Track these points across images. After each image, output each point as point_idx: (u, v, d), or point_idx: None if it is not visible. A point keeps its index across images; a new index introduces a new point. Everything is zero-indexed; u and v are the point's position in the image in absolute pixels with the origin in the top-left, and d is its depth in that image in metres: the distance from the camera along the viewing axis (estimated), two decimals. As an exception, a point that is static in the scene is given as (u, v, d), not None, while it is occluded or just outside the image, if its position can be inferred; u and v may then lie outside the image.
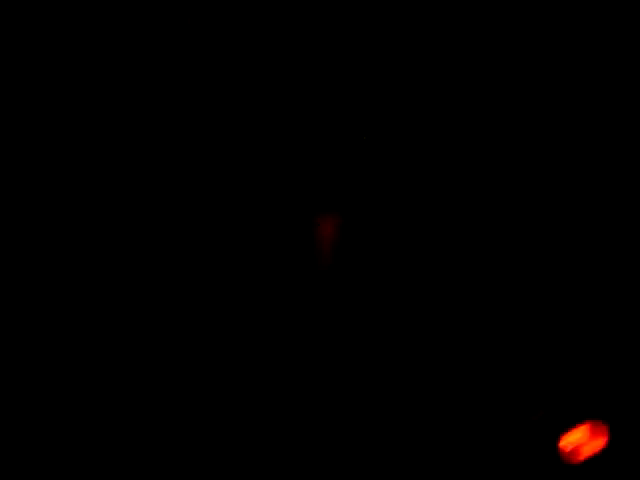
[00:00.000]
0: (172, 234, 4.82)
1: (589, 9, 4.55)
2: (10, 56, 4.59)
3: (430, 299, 4.70)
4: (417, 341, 4.54)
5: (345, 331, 4.71)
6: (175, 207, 4.79)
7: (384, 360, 4.57)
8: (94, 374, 4.66)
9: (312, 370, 4.70)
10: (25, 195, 4.70)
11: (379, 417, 4.55)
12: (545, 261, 4.60)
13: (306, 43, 4.71)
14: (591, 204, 4.64)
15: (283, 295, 4.72)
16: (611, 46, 4.57)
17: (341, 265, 4.79)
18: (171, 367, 4.75)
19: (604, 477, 4.20)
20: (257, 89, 4.74)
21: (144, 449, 4.51)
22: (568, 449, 4.08)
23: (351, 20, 4.70)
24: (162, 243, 4.80)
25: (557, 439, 4.12)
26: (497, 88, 4.67)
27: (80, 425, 4.51)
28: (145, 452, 4.50)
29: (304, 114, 4.79)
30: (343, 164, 4.79)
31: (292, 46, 4.71)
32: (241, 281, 4.76)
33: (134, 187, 4.81)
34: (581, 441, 4.14)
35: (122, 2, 4.68)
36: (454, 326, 4.56)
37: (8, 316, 4.56)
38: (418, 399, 4.50)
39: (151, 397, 4.70)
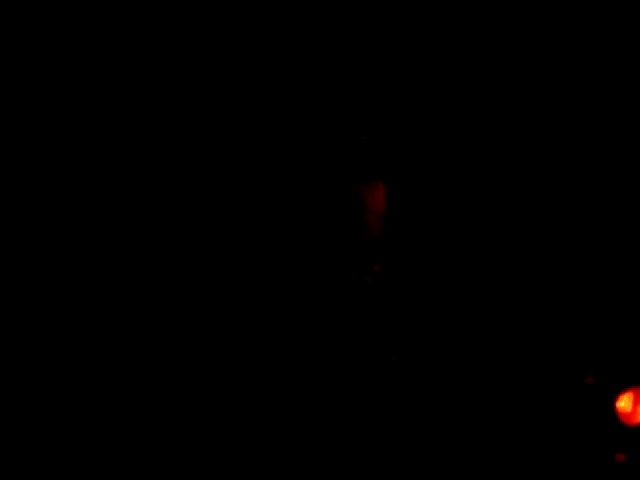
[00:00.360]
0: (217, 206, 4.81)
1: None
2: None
3: (472, 273, 4.75)
4: (464, 313, 4.59)
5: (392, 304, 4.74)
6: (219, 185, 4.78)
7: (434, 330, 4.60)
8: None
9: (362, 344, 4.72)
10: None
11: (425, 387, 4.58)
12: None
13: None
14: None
15: (334, 266, 4.74)
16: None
17: (388, 234, 4.82)
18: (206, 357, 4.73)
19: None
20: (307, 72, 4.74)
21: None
22: (626, 410, 4.13)
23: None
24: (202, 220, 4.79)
25: (615, 400, 4.17)
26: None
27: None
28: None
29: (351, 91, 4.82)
30: (389, 135, 4.83)
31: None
32: (290, 253, 4.77)
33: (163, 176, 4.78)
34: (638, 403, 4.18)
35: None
36: (494, 298, 4.62)
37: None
38: (472, 365, 4.54)
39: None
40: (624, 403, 4.06)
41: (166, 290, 4.58)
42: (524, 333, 4.55)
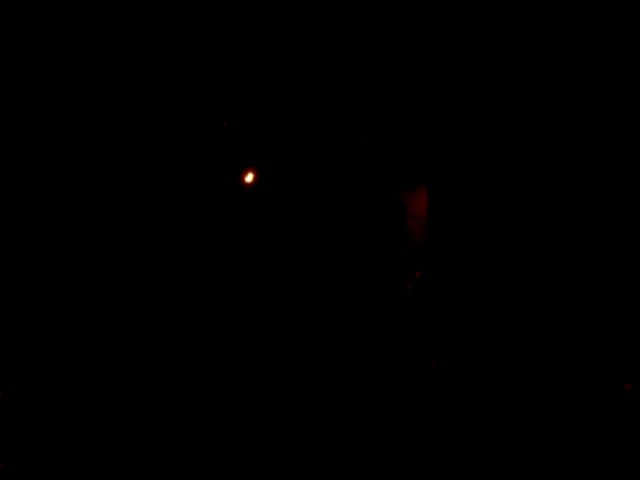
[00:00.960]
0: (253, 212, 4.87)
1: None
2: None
3: (518, 277, 4.74)
4: (511, 314, 4.58)
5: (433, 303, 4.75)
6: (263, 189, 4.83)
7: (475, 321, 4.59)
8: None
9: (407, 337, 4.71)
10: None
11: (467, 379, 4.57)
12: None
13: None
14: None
15: (377, 270, 4.77)
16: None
17: (431, 240, 4.85)
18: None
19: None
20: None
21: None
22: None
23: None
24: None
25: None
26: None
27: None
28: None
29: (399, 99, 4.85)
30: (433, 141, 4.85)
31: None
32: (335, 257, 4.80)
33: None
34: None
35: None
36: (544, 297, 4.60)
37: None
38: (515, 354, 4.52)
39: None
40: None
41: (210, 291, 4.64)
42: (570, 340, 4.53)
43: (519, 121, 4.66)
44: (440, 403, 4.61)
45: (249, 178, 4.75)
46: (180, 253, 4.76)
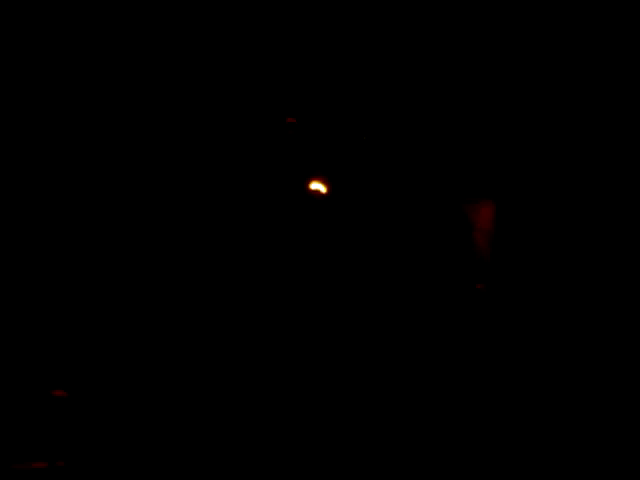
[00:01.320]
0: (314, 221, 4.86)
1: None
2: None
3: (584, 288, 4.62)
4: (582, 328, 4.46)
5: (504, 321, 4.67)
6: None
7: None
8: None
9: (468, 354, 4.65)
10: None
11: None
12: None
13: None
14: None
15: (441, 281, 4.71)
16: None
17: (497, 253, 4.76)
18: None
19: None
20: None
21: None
22: None
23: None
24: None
25: None
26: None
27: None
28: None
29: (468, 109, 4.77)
30: (499, 154, 4.76)
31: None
32: (400, 269, 4.77)
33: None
34: None
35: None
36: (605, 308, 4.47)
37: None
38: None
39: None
40: None
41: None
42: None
43: (589, 132, 4.52)
44: (504, 419, 4.54)
45: (318, 187, 4.74)
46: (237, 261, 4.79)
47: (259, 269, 4.73)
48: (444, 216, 4.74)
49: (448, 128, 4.68)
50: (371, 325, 4.67)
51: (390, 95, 4.65)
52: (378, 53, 4.60)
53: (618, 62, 4.48)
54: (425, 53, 4.57)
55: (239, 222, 4.82)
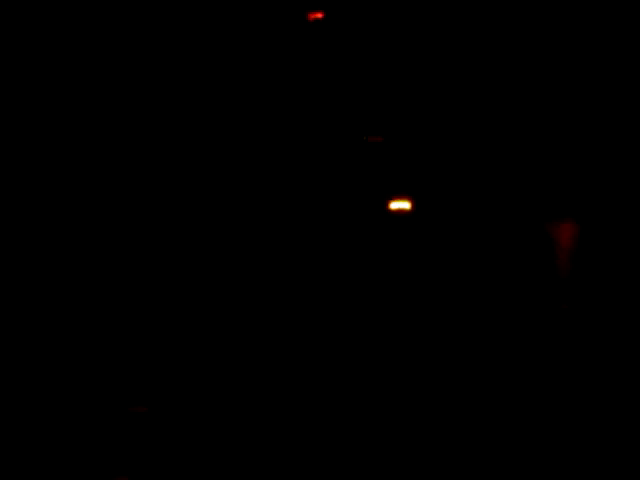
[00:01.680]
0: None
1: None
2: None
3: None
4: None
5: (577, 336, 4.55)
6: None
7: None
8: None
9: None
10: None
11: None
12: None
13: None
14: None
15: (525, 300, 4.62)
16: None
17: (579, 272, 4.64)
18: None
19: None
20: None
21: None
22: None
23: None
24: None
25: None
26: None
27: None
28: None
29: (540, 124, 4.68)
30: (579, 172, 4.66)
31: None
32: (481, 286, 4.69)
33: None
34: None
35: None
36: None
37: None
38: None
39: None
40: None
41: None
42: None
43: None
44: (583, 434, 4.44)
45: (401, 205, 4.70)
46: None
47: (340, 286, 4.70)
48: (527, 235, 4.65)
49: (532, 147, 4.59)
50: (454, 344, 4.60)
51: (474, 113, 4.59)
52: (459, 75, 4.55)
53: None
54: (506, 72, 4.51)
55: (324, 239, 4.82)
